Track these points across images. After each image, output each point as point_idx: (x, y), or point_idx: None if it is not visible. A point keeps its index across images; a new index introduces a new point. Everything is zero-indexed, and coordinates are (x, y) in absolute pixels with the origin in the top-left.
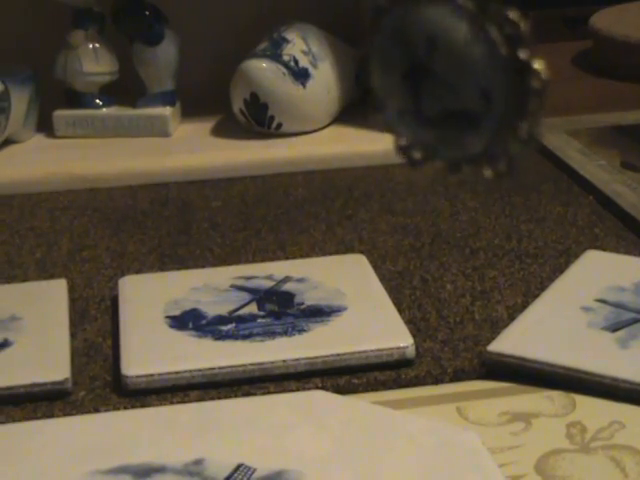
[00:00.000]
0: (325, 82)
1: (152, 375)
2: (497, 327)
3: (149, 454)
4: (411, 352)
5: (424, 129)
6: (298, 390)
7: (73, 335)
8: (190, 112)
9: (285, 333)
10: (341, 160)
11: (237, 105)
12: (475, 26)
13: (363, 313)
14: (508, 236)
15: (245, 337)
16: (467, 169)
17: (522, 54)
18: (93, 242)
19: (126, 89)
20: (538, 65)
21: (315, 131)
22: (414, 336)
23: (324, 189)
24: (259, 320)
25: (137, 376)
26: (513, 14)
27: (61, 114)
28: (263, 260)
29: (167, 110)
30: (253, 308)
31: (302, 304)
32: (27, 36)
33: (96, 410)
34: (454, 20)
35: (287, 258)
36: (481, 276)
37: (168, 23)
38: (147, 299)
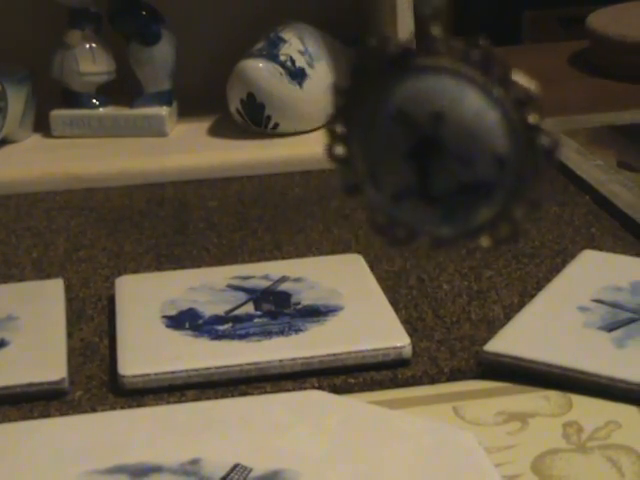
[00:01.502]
0: (322, 82)
1: (149, 375)
2: (493, 327)
3: (146, 454)
4: (407, 352)
5: (427, 209)
6: (295, 390)
7: (70, 335)
8: (187, 112)
9: (282, 333)
10: None
11: (234, 105)
12: (483, 93)
13: (360, 313)
14: None
15: (242, 337)
16: (458, 242)
17: (532, 116)
18: (90, 242)
19: (123, 89)
20: (547, 126)
21: (312, 131)
22: (410, 336)
23: (321, 189)
24: (256, 320)
25: (134, 376)
26: (519, 77)
27: (58, 114)
28: (260, 260)
29: (164, 110)
30: (250, 308)
31: (299, 304)
32: (24, 36)
33: (93, 410)
34: (459, 90)
35: (284, 258)
36: (477, 276)
37: (165, 23)
38: (144, 299)
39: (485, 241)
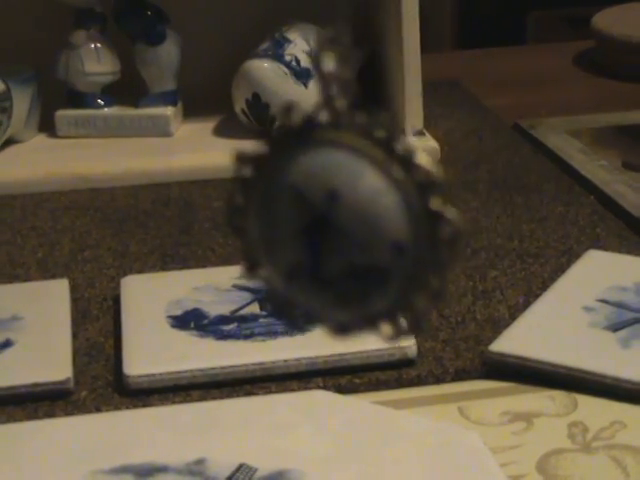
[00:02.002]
0: None
1: (154, 375)
2: (498, 327)
3: (151, 454)
4: (413, 352)
5: (319, 290)
6: (299, 390)
7: (75, 335)
8: (192, 112)
9: (287, 333)
10: None
11: (239, 105)
12: (383, 174)
13: None
14: (509, 236)
15: (247, 337)
16: (358, 330)
17: (435, 202)
18: (95, 242)
19: (128, 89)
20: (451, 214)
21: None
22: (415, 336)
23: None
24: (261, 320)
25: (139, 376)
26: (421, 159)
27: (63, 114)
28: None
29: (169, 110)
30: (255, 308)
31: None
32: (29, 36)
33: (98, 410)
34: (357, 169)
35: None
36: (482, 276)
37: (170, 23)
38: (149, 299)
39: (386, 330)
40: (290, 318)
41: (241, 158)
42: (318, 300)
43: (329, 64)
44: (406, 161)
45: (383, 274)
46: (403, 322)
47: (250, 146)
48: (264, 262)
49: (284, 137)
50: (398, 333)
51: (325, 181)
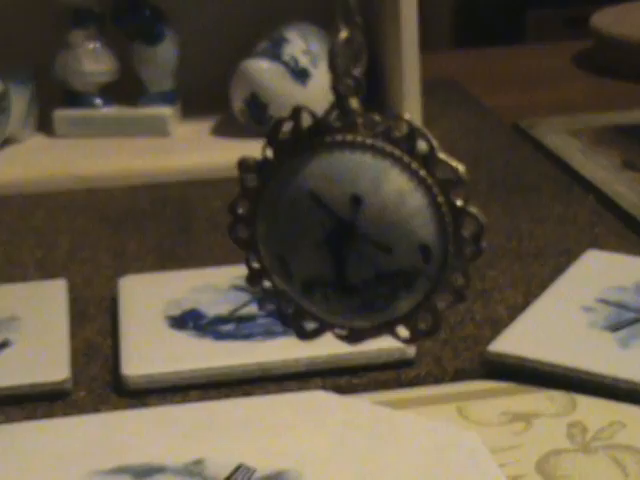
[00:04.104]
0: (325, 82)
1: (152, 375)
2: (497, 327)
3: (149, 454)
4: (411, 352)
5: (343, 299)
6: (298, 390)
7: (73, 335)
8: (190, 112)
9: (285, 333)
10: None
11: (237, 105)
12: (406, 174)
13: None
14: (508, 236)
15: (245, 337)
16: (375, 335)
17: (458, 199)
18: (93, 242)
19: (126, 89)
20: (474, 209)
21: None
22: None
23: None
24: (259, 320)
25: (137, 376)
26: (444, 155)
27: (61, 114)
28: None
29: (167, 110)
30: (253, 308)
31: None
32: (27, 36)
33: (96, 410)
34: (380, 170)
35: None
36: (481, 276)
37: (168, 22)
38: (147, 299)
39: (403, 333)
40: (299, 329)
41: (245, 165)
42: (339, 309)
43: (343, 64)
44: (428, 159)
45: (410, 277)
46: (421, 324)
47: (254, 152)
48: (274, 273)
49: (294, 142)
50: (416, 336)
51: (347, 186)
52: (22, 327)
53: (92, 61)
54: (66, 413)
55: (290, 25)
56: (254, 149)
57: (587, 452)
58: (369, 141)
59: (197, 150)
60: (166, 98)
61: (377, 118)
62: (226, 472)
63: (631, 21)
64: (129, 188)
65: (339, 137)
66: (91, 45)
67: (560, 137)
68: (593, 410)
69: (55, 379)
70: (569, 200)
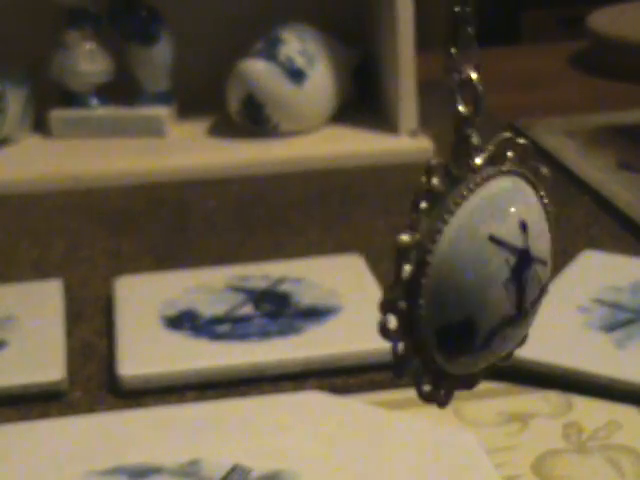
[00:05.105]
0: (321, 82)
1: (148, 375)
2: None
3: (145, 454)
4: None
5: (518, 328)
6: (294, 390)
7: (69, 335)
8: (186, 112)
9: (281, 333)
10: (337, 160)
11: (233, 105)
12: (533, 191)
13: (359, 313)
14: None
15: (241, 337)
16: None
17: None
18: (89, 242)
19: (122, 89)
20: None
21: (311, 131)
22: None
23: (320, 189)
24: (255, 320)
25: (133, 376)
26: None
27: (57, 114)
28: (259, 260)
29: (163, 110)
30: (249, 308)
31: (298, 304)
32: (22, 36)
33: (92, 410)
34: (521, 191)
35: (283, 258)
36: None
37: (164, 23)
38: (143, 299)
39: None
40: (439, 399)
41: (404, 248)
42: (513, 338)
43: (464, 106)
44: (538, 173)
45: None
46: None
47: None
48: (429, 349)
49: (441, 198)
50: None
51: (510, 215)
52: (18, 327)
53: (88, 61)
54: (62, 413)
55: (286, 25)
56: (250, 149)
57: (583, 452)
58: (508, 166)
59: (193, 151)
60: (162, 98)
61: (491, 146)
62: (222, 472)
63: (626, 22)
64: (125, 188)
65: (484, 174)
66: (87, 45)
67: (555, 137)
68: (589, 410)
69: (51, 379)
70: (565, 200)
